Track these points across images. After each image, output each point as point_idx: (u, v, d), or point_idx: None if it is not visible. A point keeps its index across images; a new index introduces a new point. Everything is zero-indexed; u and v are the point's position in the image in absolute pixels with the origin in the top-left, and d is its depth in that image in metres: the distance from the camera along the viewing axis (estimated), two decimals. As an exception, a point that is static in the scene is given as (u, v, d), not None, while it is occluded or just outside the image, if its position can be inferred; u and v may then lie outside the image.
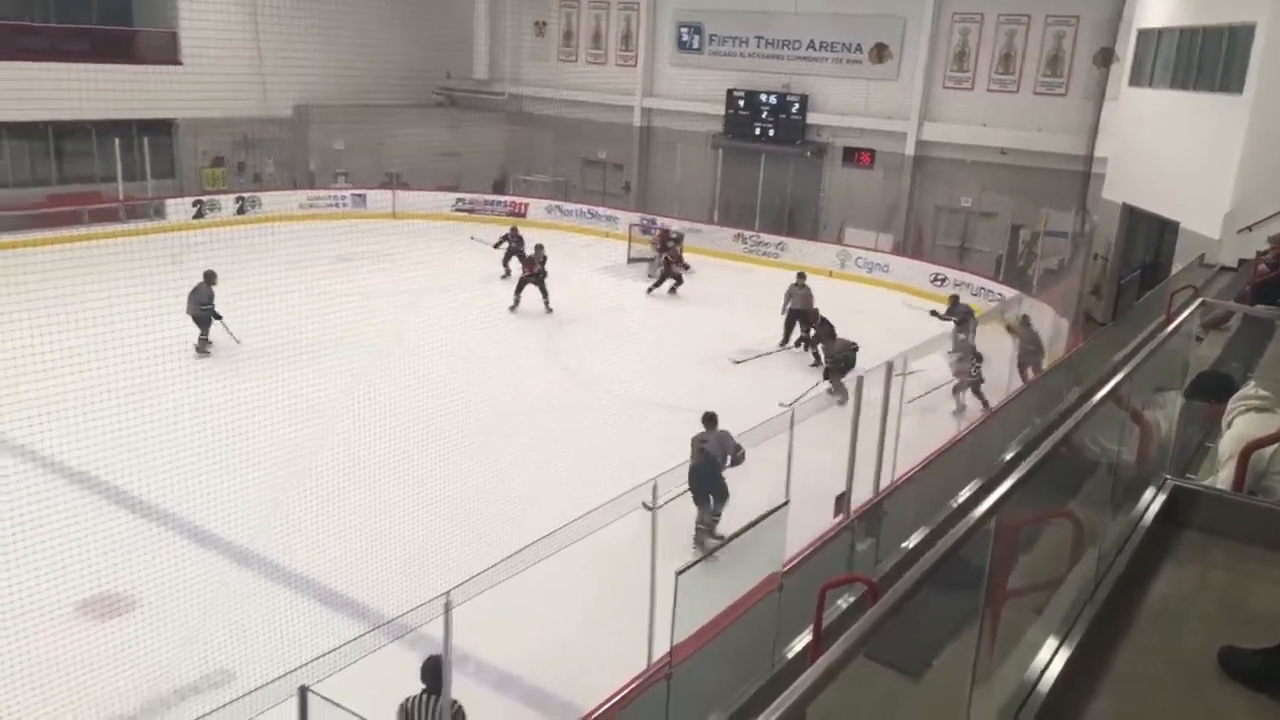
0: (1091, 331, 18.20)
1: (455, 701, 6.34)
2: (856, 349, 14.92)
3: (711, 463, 10.41)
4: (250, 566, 9.62)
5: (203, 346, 15.93)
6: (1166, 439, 4.77)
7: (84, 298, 15.55)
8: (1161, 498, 4.11)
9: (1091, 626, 3.20)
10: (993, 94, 23.84)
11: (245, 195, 26.12)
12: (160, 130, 25.58)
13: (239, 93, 25.82)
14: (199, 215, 24.88)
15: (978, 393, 14.46)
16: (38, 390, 12.02)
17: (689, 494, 9.99)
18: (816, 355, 16.69)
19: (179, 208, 24.74)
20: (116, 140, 23.74)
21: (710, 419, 10.88)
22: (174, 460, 11.07)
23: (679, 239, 23.08)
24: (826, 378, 14.88)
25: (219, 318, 15.79)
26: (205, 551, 9.85)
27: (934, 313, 17.65)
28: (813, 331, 16.85)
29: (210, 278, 15.88)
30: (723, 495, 10.52)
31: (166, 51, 25.63)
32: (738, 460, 10.34)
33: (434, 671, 6.29)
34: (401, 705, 6.36)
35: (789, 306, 18.04)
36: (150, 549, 9.61)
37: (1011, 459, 10.20)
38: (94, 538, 9.54)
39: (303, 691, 5.48)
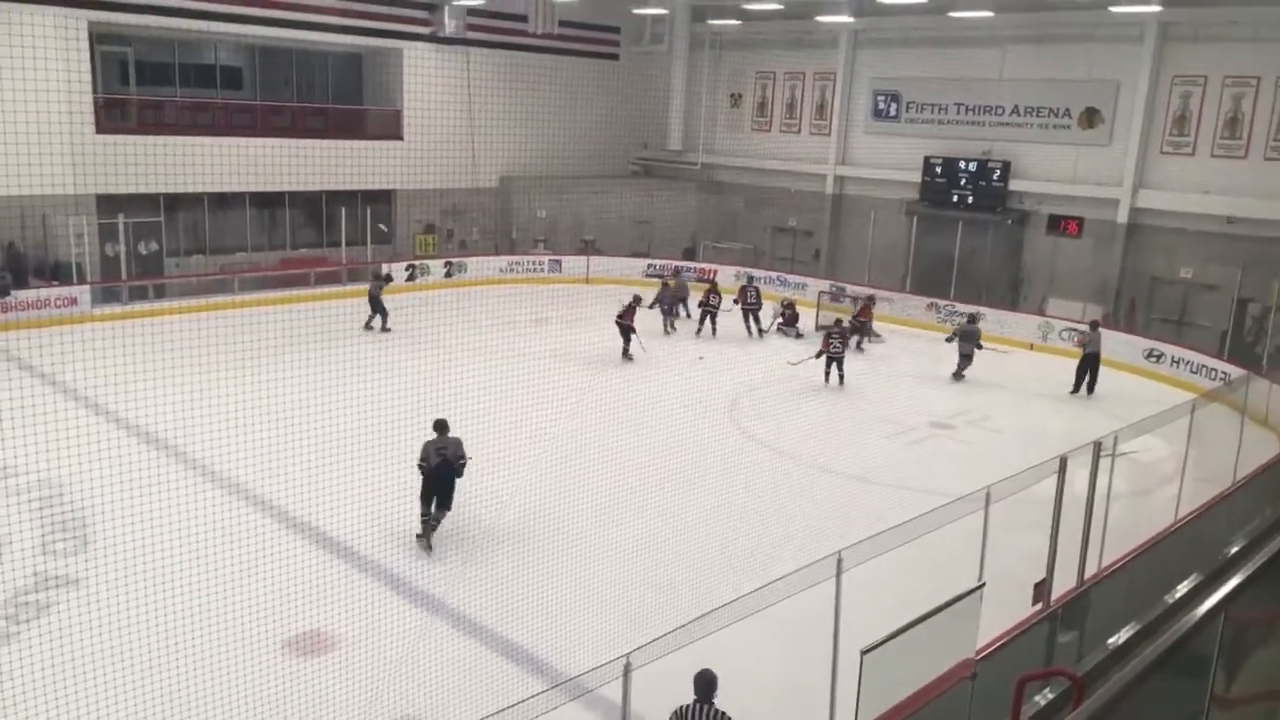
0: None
1: (724, 713, 6.62)
2: None
3: (448, 466, 11.26)
4: (440, 615, 9.97)
5: (371, 324, 21.55)
6: None
7: (304, 354, 16.87)
8: None
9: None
10: (1217, 160, 22.31)
11: (452, 260, 27.70)
12: (380, 199, 27.62)
13: (451, 165, 27.61)
14: (411, 278, 26.55)
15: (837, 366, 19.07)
16: (260, 439, 13.03)
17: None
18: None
19: (393, 272, 26.47)
20: (343, 209, 25.79)
21: (441, 425, 11.53)
22: (377, 511, 11.70)
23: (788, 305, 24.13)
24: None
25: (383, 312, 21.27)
26: (399, 598, 10.29)
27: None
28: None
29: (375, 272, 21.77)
30: (448, 501, 11.33)
31: (390, 128, 27.76)
32: (461, 468, 11.34)
33: (705, 684, 6.62)
34: (675, 712, 6.65)
35: (1086, 351, 19.49)
36: (351, 593, 10.16)
37: (1238, 553, 9.33)
38: (303, 579, 10.20)
39: (484, 742, 5.60)
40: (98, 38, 23.12)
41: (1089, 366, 19.42)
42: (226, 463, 13.09)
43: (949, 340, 20.60)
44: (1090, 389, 19.41)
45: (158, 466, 12.90)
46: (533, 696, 6.05)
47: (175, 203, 24.44)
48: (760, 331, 23.05)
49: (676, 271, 25.35)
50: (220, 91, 26.57)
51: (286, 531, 11.66)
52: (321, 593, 10.05)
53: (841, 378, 19.07)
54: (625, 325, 20.51)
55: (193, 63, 26.24)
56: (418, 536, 11.41)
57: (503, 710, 5.77)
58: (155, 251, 24.15)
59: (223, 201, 25.33)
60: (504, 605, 9.80)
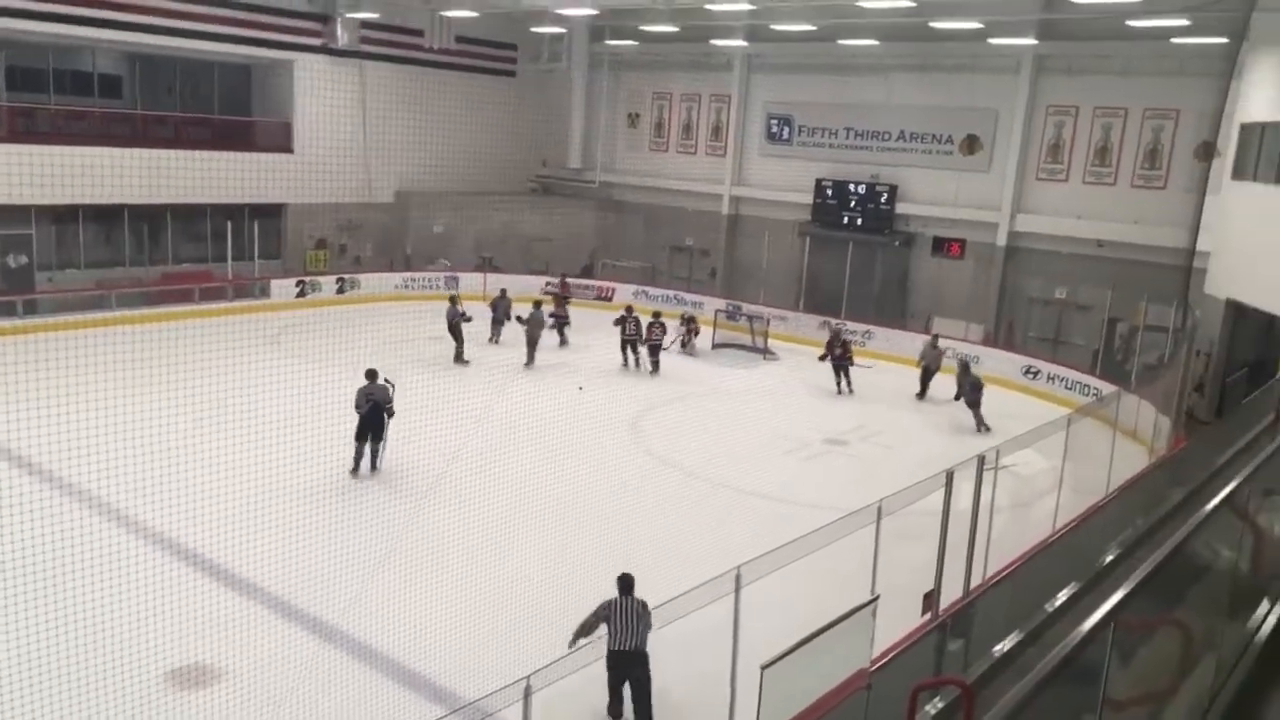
0: (1194, 430, 17.51)
1: (643, 600, 8.16)
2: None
3: (378, 409, 13.98)
4: (334, 643, 9.68)
5: (458, 355, 21.05)
6: (1283, 546, 4.54)
7: (187, 373, 16.26)
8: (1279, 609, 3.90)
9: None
10: (1088, 186, 23.54)
11: (345, 276, 27.10)
12: (270, 214, 26.85)
13: (345, 180, 27.08)
14: (301, 294, 25.87)
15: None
16: (141, 461, 12.48)
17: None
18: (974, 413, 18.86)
19: (283, 288, 25.77)
20: (229, 223, 24.97)
21: (372, 374, 14.30)
22: (265, 534, 11.31)
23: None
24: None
25: (468, 320, 21.03)
26: (292, 626, 9.97)
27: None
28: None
29: (454, 300, 21.69)
30: (381, 436, 14.12)
31: (280, 140, 27.05)
32: (391, 411, 14.13)
33: (625, 583, 8.38)
34: (604, 603, 8.24)
35: (923, 365, 20.71)
36: (240, 622, 9.79)
37: (1112, 561, 9.78)
38: (188, 608, 9.79)
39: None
40: (-35, 40, 21.97)
41: (929, 378, 20.86)
42: (102, 486, 12.46)
43: (957, 398, 19.45)
44: (922, 395, 20.80)
45: (28, 491, 12.21)
46: (432, 722, 5.95)
47: (48, 214, 23.29)
48: (638, 363, 21.95)
49: (503, 293, 23.78)
50: (98, 99, 25.49)
51: (166, 557, 11.18)
52: (206, 622, 9.66)
53: (656, 365, 21.62)
54: (654, 343, 21.61)
55: (69, 69, 25.11)
56: (351, 471, 14.03)
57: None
58: (25, 265, 22.98)
59: (100, 214, 24.24)
60: (401, 631, 9.58)
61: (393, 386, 14.42)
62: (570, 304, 24.79)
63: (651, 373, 21.60)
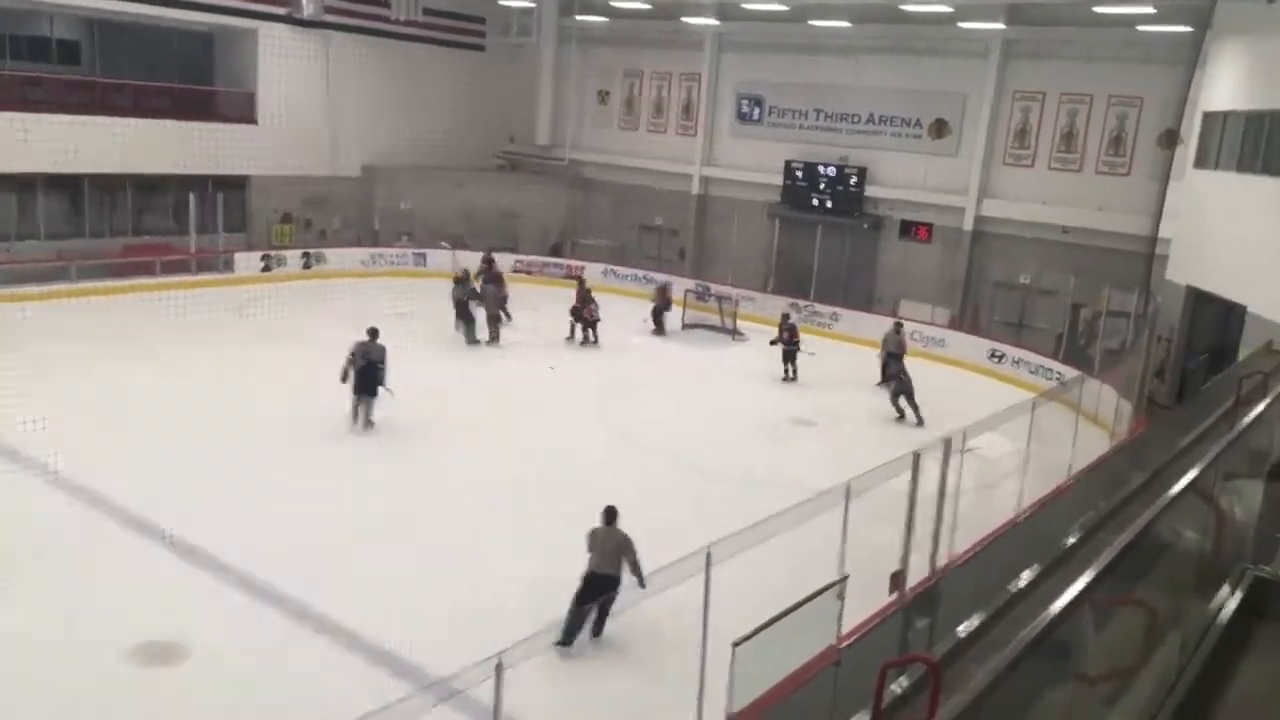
0: (1154, 415, 17.81)
1: (624, 532, 9.12)
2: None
3: (374, 367, 14.32)
4: (304, 621, 9.63)
5: (470, 336, 20.39)
6: (1244, 527, 4.65)
7: (150, 345, 16.03)
8: (1241, 589, 4.00)
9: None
10: (1054, 172, 23.78)
11: (311, 251, 26.78)
12: (234, 186, 26.40)
13: (310, 152, 26.69)
14: (266, 269, 25.53)
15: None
16: (106, 436, 12.33)
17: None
18: (896, 406, 18.12)
19: (247, 261, 25.42)
20: (191, 195, 24.54)
21: (373, 332, 14.70)
22: (234, 510, 11.23)
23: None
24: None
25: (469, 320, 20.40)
26: (259, 603, 9.89)
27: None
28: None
29: (465, 275, 21.29)
30: (376, 393, 14.40)
31: (244, 111, 26.59)
32: (383, 373, 14.40)
33: (609, 513, 9.34)
34: (589, 531, 9.26)
35: (885, 350, 19.84)
36: (207, 599, 9.71)
37: (1074, 543, 9.95)
38: (152, 584, 9.69)
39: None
40: (-85, 3, 21.35)
41: (890, 362, 19.44)
42: (64, 461, 12.29)
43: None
44: (884, 381, 19.43)
45: (-14, 466, 12.00)
46: (402, 700, 5.95)
47: (5, 184, 22.77)
48: (585, 338, 21.81)
49: (466, 273, 22.75)
50: (55, 66, 24.90)
51: (128, 531, 11.05)
52: (172, 598, 9.57)
53: (596, 338, 21.67)
54: (591, 319, 21.50)
55: (24, 34, 24.48)
56: (351, 423, 14.38)
57: (370, 714, 5.64)
58: (-19, 235, 22.50)
59: (59, 183, 23.73)
60: (371, 608, 9.56)
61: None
62: (499, 280, 23.32)
63: (594, 343, 21.66)
